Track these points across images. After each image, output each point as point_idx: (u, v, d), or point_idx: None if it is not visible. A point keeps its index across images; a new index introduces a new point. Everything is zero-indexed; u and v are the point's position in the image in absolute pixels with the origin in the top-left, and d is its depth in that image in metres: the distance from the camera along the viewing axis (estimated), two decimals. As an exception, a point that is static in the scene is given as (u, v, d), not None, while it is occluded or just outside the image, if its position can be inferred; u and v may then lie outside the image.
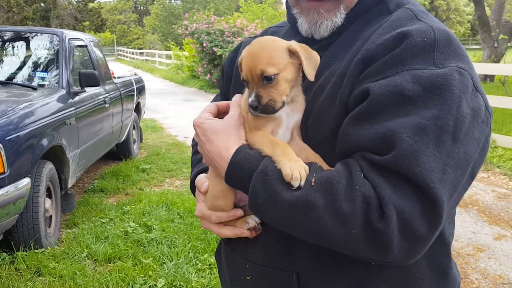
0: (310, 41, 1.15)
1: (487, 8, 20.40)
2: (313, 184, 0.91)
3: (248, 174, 0.99)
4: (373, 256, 0.90)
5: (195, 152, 1.41)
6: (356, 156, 0.94)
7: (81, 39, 6.09)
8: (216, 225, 1.17)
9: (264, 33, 1.40)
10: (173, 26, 26.49)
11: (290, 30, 1.27)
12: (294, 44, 1.06)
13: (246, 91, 1.14)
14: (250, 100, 1.02)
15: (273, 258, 1.11)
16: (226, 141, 1.07)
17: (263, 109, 1.03)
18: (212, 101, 1.50)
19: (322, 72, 1.08)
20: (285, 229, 0.99)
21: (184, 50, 22.09)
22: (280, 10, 32.97)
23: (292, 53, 1.05)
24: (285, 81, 1.04)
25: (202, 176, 1.26)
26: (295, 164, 0.95)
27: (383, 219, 0.84)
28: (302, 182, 0.93)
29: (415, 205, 0.85)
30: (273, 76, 1.02)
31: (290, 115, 1.09)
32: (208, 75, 17.93)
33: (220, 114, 1.19)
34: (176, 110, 13.45)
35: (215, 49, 16.68)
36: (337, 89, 1.03)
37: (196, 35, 17.47)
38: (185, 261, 3.83)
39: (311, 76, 1.04)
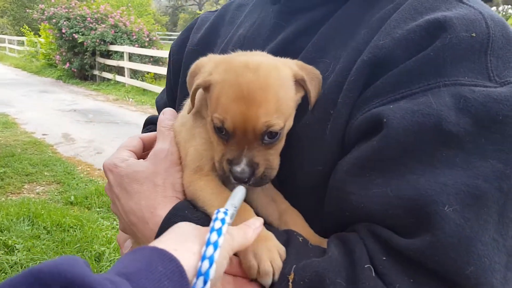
0: (287, 17, 0.79)
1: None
2: (290, 282, 0.57)
3: None
4: None
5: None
6: (362, 230, 0.60)
7: None
8: None
9: (228, 7, 1.03)
10: (27, 10, 24.17)
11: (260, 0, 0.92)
12: (297, 69, 0.69)
13: (187, 102, 0.76)
14: (239, 169, 0.64)
15: None
16: (151, 196, 0.69)
17: (256, 182, 0.66)
18: (156, 98, 1.11)
19: None
20: None
21: (39, 36, 20.29)
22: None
23: (297, 83, 0.69)
24: (286, 132, 0.69)
25: None
26: (262, 246, 0.59)
27: None
28: (276, 277, 0.58)
29: None
30: (279, 132, 0.65)
31: None
32: (68, 64, 16.79)
33: (148, 150, 0.81)
34: (31, 103, 12.25)
35: (75, 35, 15.66)
36: (329, 108, 0.66)
37: (54, 20, 16.13)
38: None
39: (312, 105, 0.69)
